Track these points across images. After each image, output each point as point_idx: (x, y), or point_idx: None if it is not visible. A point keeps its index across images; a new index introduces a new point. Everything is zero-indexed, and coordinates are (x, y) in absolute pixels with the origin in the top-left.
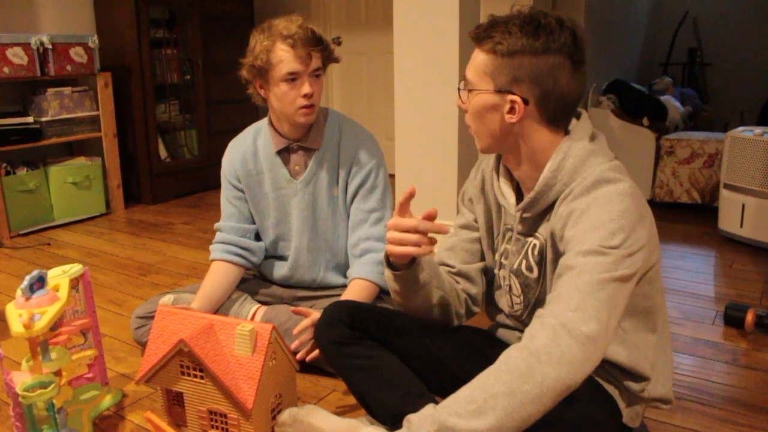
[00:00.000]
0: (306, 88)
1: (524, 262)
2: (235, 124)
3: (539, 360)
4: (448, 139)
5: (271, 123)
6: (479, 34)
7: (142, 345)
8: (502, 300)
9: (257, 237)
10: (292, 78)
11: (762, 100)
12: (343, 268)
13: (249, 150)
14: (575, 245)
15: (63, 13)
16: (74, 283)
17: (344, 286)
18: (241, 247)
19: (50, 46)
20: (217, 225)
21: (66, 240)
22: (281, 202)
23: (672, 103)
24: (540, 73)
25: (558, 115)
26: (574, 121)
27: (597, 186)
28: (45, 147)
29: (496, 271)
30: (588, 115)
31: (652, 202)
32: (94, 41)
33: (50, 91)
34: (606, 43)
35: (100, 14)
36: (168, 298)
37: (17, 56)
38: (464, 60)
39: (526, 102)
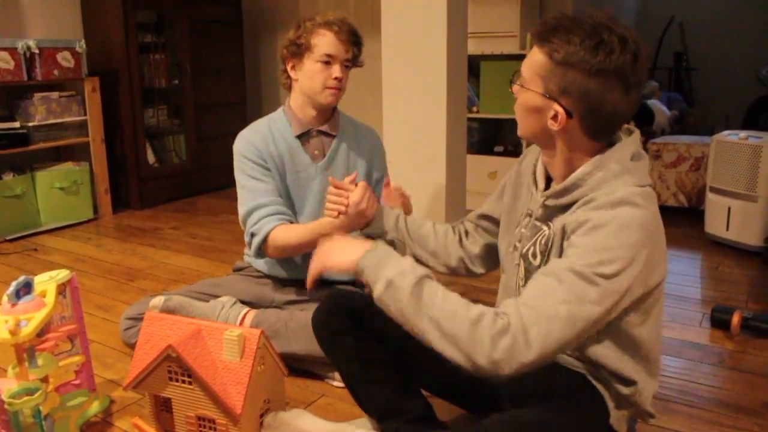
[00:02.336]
0: (337, 72)
1: (532, 248)
2: (223, 128)
3: (483, 332)
4: (436, 143)
5: (290, 109)
6: (541, 33)
7: (131, 346)
8: (512, 281)
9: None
10: (327, 60)
11: (747, 104)
12: None
13: (267, 134)
14: (573, 255)
15: (50, 18)
16: (61, 289)
17: (342, 282)
18: (289, 215)
19: (37, 51)
20: (251, 205)
21: (53, 245)
22: (299, 185)
23: (658, 107)
24: (589, 92)
25: (600, 131)
26: (622, 136)
27: (621, 205)
28: (32, 152)
29: (510, 251)
30: (638, 136)
31: None
32: (81, 46)
33: (37, 95)
34: None
35: (87, 19)
36: (158, 300)
37: (3, 61)
38: (452, 65)
39: (569, 115)
